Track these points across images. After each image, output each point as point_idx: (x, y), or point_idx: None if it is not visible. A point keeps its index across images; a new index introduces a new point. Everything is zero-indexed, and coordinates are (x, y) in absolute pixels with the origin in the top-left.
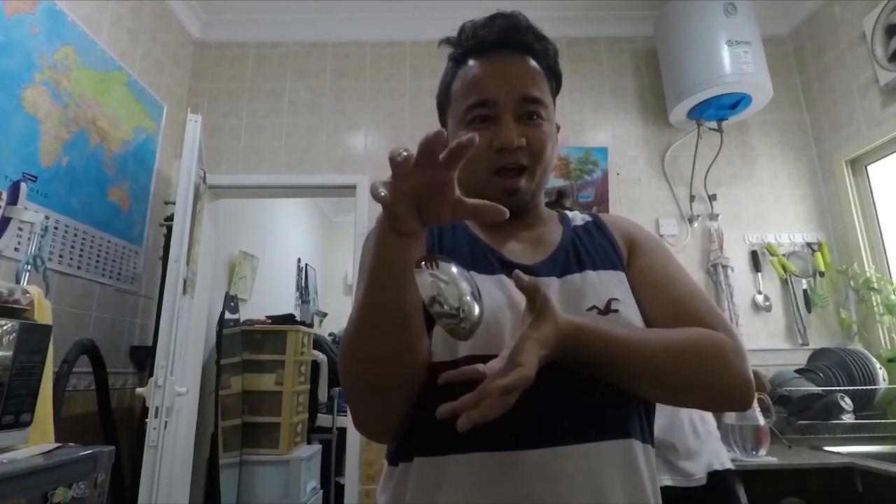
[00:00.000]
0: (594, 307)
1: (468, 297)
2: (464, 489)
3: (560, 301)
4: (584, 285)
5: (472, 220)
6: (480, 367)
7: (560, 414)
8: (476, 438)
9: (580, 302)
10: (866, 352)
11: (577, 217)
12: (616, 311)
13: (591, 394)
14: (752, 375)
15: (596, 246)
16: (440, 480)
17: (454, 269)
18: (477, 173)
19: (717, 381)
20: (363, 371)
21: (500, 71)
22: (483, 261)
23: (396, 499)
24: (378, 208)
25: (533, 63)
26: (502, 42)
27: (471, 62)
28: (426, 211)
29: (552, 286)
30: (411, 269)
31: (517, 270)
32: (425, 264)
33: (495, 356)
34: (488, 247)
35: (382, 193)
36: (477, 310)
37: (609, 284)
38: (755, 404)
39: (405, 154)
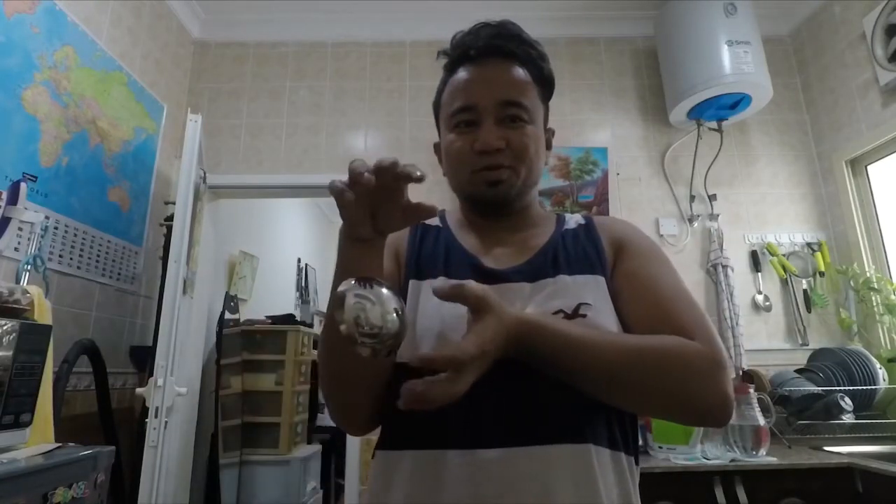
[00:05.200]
0: (561, 311)
1: (392, 315)
2: (414, 485)
3: (530, 305)
4: (555, 289)
5: (421, 220)
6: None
7: (515, 414)
8: (432, 435)
9: (548, 306)
10: (866, 352)
11: (572, 220)
12: (584, 315)
13: (547, 396)
14: (730, 391)
15: (578, 250)
16: (393, 475)
17: (385, 292)
18: (461, 174)
19: (683, 391)
20: (332, 369)
21: (481, 77)
22: (456, 267)
23: (369, 487)
24: None
25: (517, 68)
26: (487, 50)
27: (460, 70)
28: (380, 216)
29: (523, 291)
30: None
31: (433, 285)
32: (356, 283)
33: None
34: (466, 253)
35: (341, 187)
36: (394, 327)
37: (582, 289)
38: (755, 403)
39: (367, 175)
